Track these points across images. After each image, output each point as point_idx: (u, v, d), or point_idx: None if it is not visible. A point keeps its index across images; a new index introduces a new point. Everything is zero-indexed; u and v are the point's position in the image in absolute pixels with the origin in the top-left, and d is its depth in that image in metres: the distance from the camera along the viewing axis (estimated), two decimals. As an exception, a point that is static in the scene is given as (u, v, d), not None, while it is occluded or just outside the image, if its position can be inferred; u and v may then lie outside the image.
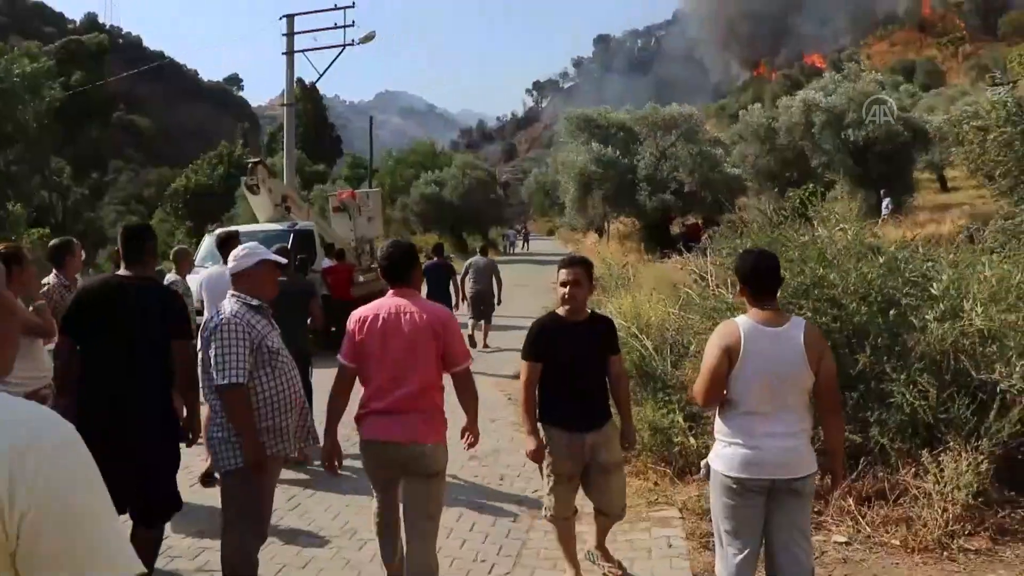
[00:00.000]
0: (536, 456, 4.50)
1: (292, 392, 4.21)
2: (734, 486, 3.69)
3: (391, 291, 4.21)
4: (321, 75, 27.57)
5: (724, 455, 3.73)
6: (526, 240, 59.85)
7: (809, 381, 3.68)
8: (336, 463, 4.28)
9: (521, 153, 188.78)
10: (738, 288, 3.94)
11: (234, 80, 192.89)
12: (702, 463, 3.99)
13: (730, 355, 3.65)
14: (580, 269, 4.61)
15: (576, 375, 4.54)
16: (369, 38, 26.26)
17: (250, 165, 15.95)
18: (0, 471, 1.11)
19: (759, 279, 3.77)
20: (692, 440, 6.29)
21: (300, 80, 56.40)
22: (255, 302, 4.16)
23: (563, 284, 4.59)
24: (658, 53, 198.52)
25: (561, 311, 4.63)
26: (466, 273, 14.26)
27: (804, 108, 28.15)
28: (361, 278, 16.27)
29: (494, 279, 14.27)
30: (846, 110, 27.19)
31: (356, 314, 4.24)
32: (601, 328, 4.71)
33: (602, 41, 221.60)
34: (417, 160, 57.19)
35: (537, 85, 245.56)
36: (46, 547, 1.15)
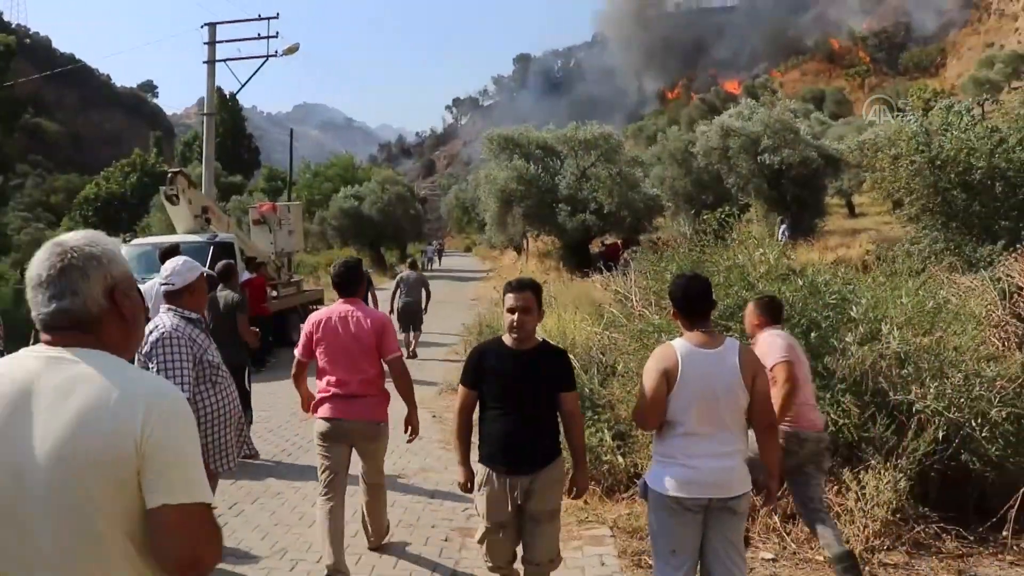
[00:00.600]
0: (465, 488, 4.29)
1: (232, 406, 4.15)
2: (672, 505, 3.75)
3: (341, 299, 5.27)
4: (243, 85, 27.17)
5: (662, 475, 3.80)
6: (439, 256, 59.85)
7: (745, 401, 3.78)
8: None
9: (440, 169, 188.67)
10: (671, 311, 4.04)
11: (148, 87, 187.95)
12: (639, 482, 4.06)
13: (668, 378, 3.74)
14: (530, 294, 4.17)
15: (518, 410, 4.11)
16: (292, 50, 25.99)
17: (170, 175, 15.55)
18: (139, 416, 1.71)
19: (692, 303, 3.88)
20: (621, 459, 6.36)
21: (220, 89, 55.50)
22: (193, 315, 4.09)
23: (510, 310, 4.15)
24: (577, 73, 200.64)
25: (507, 339, 4.19)
26: (397, 286, 15.41)
27: (721, 132, 28.77)
28: (274, 293, 16.14)
29: (423, 292, 15.26)
30: (761, 135, 27.89)
31: (313, 317, 5.31)
32: (551, 360, 4.21)
33: (522, 60, 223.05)
34: (336, 174, 56.78)
35: (457, 102, 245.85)
36: (154, 469, 1.72)
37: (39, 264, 1.84)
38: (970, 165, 13.25)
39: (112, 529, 1.72)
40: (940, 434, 5.38)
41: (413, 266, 16.69)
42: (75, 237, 1.89)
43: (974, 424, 5.45)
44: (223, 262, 8.29)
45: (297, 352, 5.26)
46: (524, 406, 4.13)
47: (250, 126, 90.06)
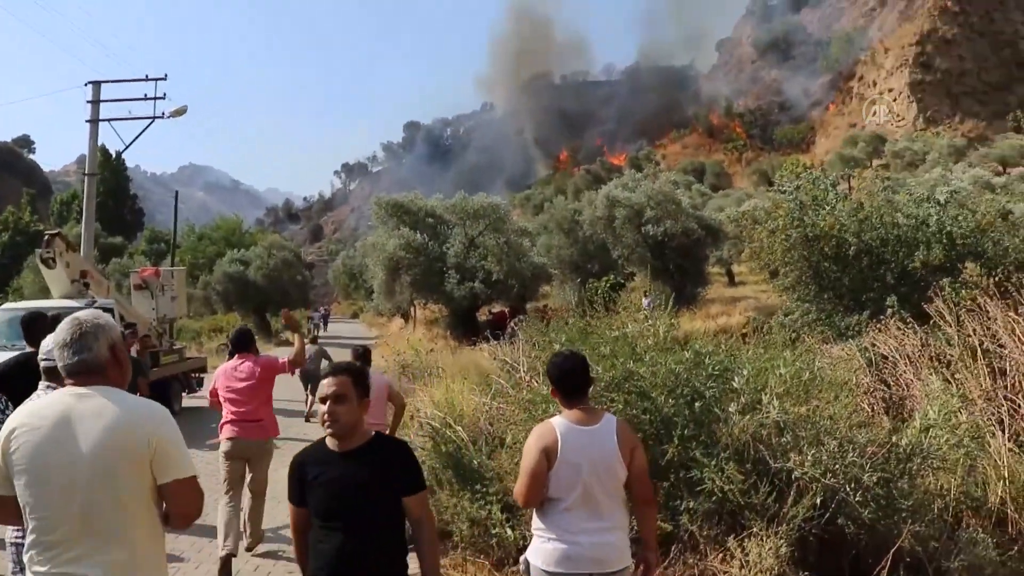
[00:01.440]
0: None
1: None
2: None
3: (238, 355, 7.46)
4: (127, 147, 26.49)
5: (543, 550, 3.85)
6: (325, 322, 58.95)
7: (623, 476, 3.88)
8: None
9: (327, 234, 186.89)
10: (550, 389, 4.11)
11: (25, 142, 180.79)
12: (521, 559, 4.06)
13: (548, 455, 3.81)
14: (347, 379, 3.63)
15: (347, 526, 3.48)
16: (180, 113, 25.56)
17: (47, 237, 14.92)
18: (149, 426, 2.81)
19: (569, 381, 3.97)
20: (510, 532, 6.32)
21: (103, 148, 53.93)
22: None
23: (322, 400, 3.62)
24: (466, 141, 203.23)
25: (329, 440, 3.66)
26: None
27: (606, 203, 29.49)
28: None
29: (323, 360, 15.97)
30: (645, 206, 28.70)
31: (219, 369, 7.57)
32: (388, 458, 3.60)
33: (412, 127, 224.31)
34: (221, 237, 55.61)
35: (346, 167, 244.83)
36: (160, 459, 2.81)
37: (63, 332, 2.97)
38: (843, 240, 13.91)
39: (128, 495, 2.82)
40: (818, 499, 5.54)
41: (314, 340, 18.46)
42: (86, 314, 3.05)
43: (848, 489, 5.63)
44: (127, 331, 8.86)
45: (209, 394, 7.56)
46: (355, 521, 3.48)
47: (134, 186, 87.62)
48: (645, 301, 27.74)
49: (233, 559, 6.64)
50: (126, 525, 2.82)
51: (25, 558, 2.86)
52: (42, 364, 3.71)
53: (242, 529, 7.06)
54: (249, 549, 7.18)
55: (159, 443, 2.84)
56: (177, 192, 49.35)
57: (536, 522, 3.95)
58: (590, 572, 3.78)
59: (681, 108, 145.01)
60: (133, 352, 11.13)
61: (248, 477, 7.24)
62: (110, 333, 3.02)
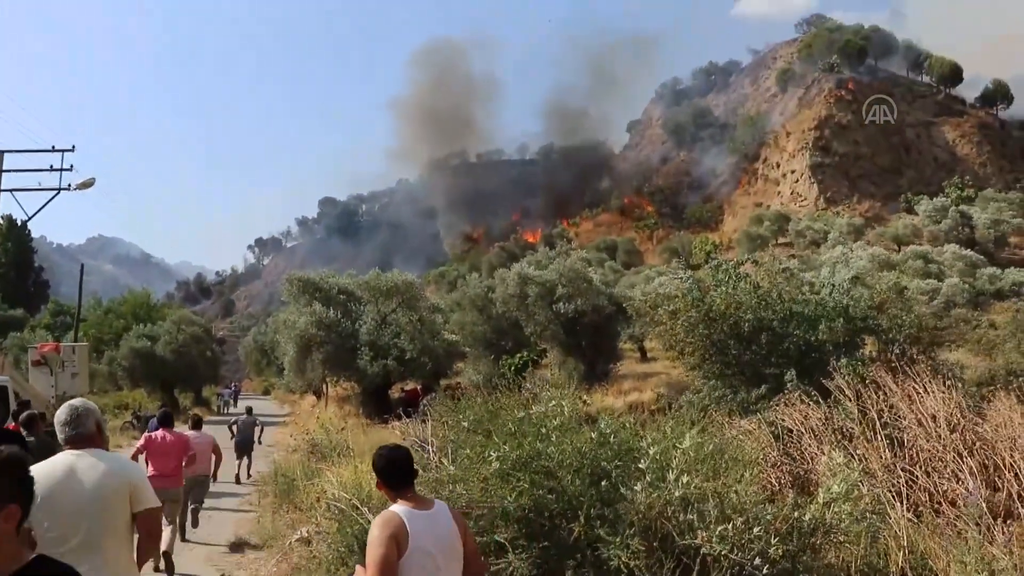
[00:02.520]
0: None
1: None
2: None
3: (163, 429, 10.60)
4: (30, 217, 25.97)
5: None
6: (236, 399, 57.51)
7: (461, 555, 4.10)
8: None
9: (240, 310, 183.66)
10: (375, 482, 4.24)
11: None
12: None
13: (399, 543, 3.90)
14: None
15: None
16: (88, 185, 25.02)
17: None
18: (130, 475, 4.40)
19: (397, 472, 4.16)
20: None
21: (9, 217, 52.35)
22: None
23: None
24: (382, 218, 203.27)
25: None
26: (234, 423, 20.07)
27: (519, 280, 29.70)
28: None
29: (256, 430, 20.25)
30: (557, 284, 29.00)
31: (147, 436, 10.62)
32: None
33: (327, 202, 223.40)
34: (129, 311, 53.99)
35: (259, 242, 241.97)
36: (136, 495, 4.30)
37: (63, 413, 4.39)
38: (740, 318, 14.26)
39: (117, 522, 4.13)
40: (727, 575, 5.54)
41: (249, 411, 20.96)
42: (77, 401, 4.50)
43: (755, 564, 5.65)
44: (27, 413, 10.00)
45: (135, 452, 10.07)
46: None
47: (39, 258, 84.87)
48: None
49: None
50: (111, 540, 4.19)
51: None
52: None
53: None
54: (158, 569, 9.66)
55: (134, 485, 4.35)
56: (83, 265, 48.03)
57: None
58: None
59: (594, 187, 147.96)
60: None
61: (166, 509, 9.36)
62: (95, 414, 4.55)
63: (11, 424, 11.98)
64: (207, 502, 13.87)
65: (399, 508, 4.02)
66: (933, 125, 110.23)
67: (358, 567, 4.21)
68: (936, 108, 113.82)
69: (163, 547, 9.17)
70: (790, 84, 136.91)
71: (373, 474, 4.23)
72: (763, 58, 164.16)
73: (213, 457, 12.22)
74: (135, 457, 9.56)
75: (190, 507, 11.91)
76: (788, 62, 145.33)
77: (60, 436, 4.43)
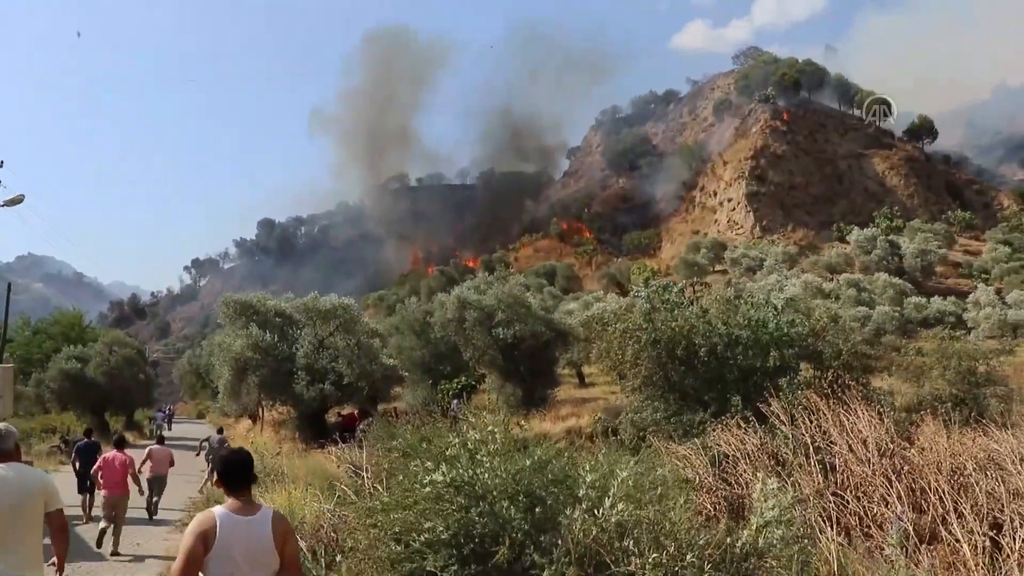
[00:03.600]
0: None
1: None
2: None
3: (116, 449, 13.81)
4: (-48, 237, 24.95)
5: None
6: (170, 423, 56.22)
7: (275, 563, 4.38)
8: None
9: (175, 331, 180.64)
10: (214, 480, 4.73)
11: None
12: None
13: (206, 540, 4.25)
14: None
15: None
16: (17, 201, 24.33)
17: None
18: (43, 481, 5.59)
19: (233, 473, 4.52)
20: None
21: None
22: None
23: None
24: (321, 240, 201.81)
25: None
26: (207, 446, 21.74)
27: (458, 305, 29.61)
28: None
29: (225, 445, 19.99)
30: (495, 309, 28.97)
31: (104, 456, 13.73)
32: None
33: (266, 224, 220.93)
34: (60, 332, 52.50)
35: (196, 263, 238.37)
36: (50, 498, 5.50)
37: None
38: (690, 341, 14.40)
39: (35, 519, 5.32)
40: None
41: (220, 431, 22.61)
42: (3, 425, 5.65)
43: (690, 591, 5.66)
44: None
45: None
46: None
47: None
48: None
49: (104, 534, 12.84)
50: (30, 533, 5.37)
51: None
52: None
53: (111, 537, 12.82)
54: (113, 553, 12.53)
55: (47, 491, 5.53)
56: (10, 284, 46.64)
57: None
58: None
59: (533, 212, 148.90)
60: None
61: (114, 513, 12.89)
62: (15, 435, 5.70)
63: None
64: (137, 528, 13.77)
65: (218, 510, 4.36)
66: (864, 156, 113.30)
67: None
68: (867, 140, 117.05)
69: (99, 530, 12.89)
70: (727, 114, 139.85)
71: (219, 481, 4.54)
72: (701, 88, 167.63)
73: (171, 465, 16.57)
74: (96, 471, 13.50)
75: (153, 499, 16.03)
76: (725, 92, 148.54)
77: None
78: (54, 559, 5.75)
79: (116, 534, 12.66)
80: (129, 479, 13.47)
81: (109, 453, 13.73)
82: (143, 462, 15.46)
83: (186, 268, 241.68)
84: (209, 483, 18.47)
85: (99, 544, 12.59)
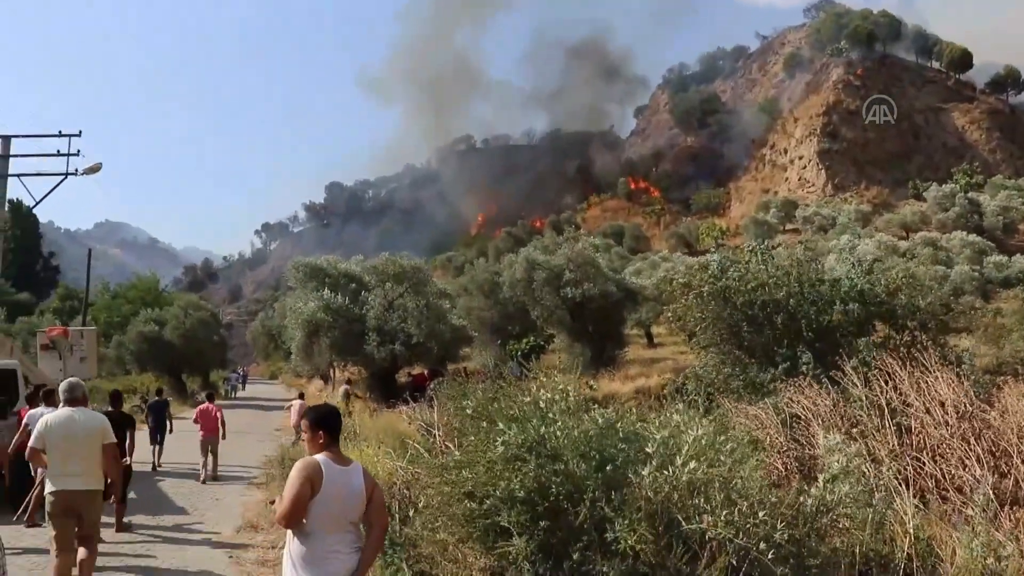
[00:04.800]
0: None
1: None
2: None
3: (208, 403, 17.61)
4: (38, 202, 25.60)
5: (304, 572, 4.47)
6: (243, 383, 57.58)
7: (363, 509, 4.69)
8: None
9: (247, 294, 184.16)
10: (310, 433, 4.77)
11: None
12: None
13: (313, 485, 4.48)
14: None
15: None
16: (94, 170, 24.88)
17: None
18: (102, 421, 7.95)
19: (328, 425, 4.77)
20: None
21: (16, 202, 52.30)
22: None
23: None
24: (389, 203, 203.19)
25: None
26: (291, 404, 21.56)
27: (526, 265, 29.65)
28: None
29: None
30: (564, 269, 28.94)
31: (200, 408, 17.48)
32: None
33: (334, 187, 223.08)
34: (137, 296, 53.96)
35: (266, 227, 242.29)
36: (106, 434, 7.80)
37: (64, 386, 7.94)
38: (761, 300, 14.21)
39: (97, 449, 7.55)
40: (732, 560, 5.54)
41: (302, 396, 22.17)
42: (72, 379, 8.20)
43: (760, 548, 5.65)
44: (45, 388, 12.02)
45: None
46: None
47: (47, 243, 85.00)
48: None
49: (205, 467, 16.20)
50: (93, 458, 7.46)
51: (48, 481, 7.44)
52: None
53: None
54: (213, 478, 16.12)
55: (104, 428, 7.69)
56: (90, 250, 48.05)
57: (296, 548, 4.53)
58: None
59: (601, 172, 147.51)
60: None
61: (210, 449, 16.49)
62: (83, 387, 8.02)
63: (23, 408, 12.34)
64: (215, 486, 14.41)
65: (320, 458, 4.59)
66: (942, 111, 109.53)
67: (277, 498, 4.75)
68: (945, 94, 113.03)
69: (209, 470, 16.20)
70: (798, 70, 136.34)
71: (322, 432, 4.70)
72: (771, 44, 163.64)
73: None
74: (195, 421, 17.00)
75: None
76: (796, 47, 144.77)
77: (63, 399, 7.90)
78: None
79: (214, 465, 16.37)
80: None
81: (204, 405, 17.39)
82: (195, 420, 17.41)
83: (257, 232, 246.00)
84: (298, 440, 19.07)
85: (203, 478, 15.86)
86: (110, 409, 12.74)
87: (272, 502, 4.88)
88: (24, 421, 10.70)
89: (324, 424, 4.75)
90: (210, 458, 16.31)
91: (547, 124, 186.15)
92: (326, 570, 4.50)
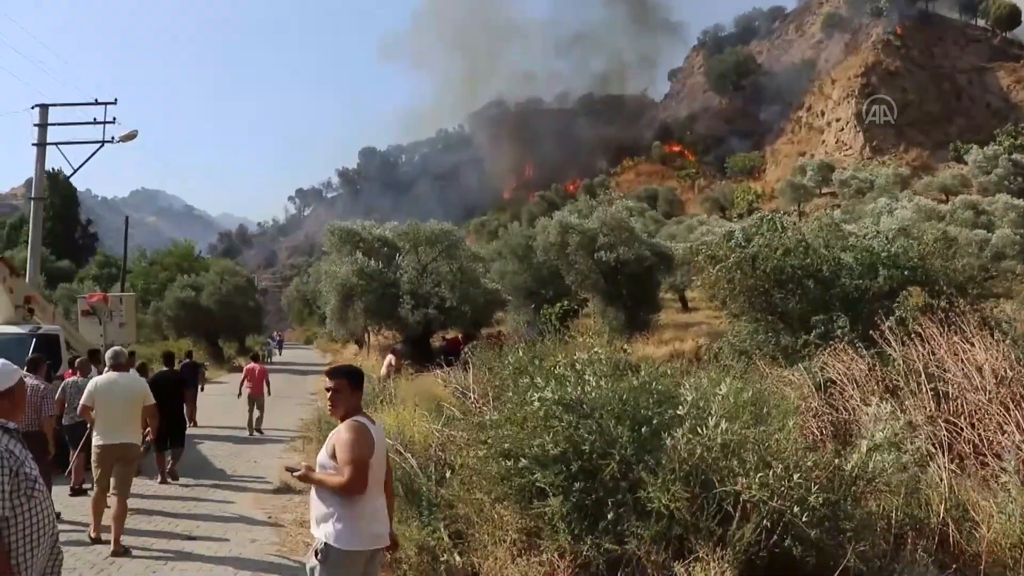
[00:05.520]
0: None
1: (48, 523, 3.80)
2: (360, 559, 4.52)
3: (254, 363, 19.09)
4: (75, 170, 25.86)
5: (356, 533, 4.47)
6: (280, 348, 58.18)
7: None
8: None
9: (282, 260, 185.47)
10: (336, 397, 4.76)
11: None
12: (318, 548, 4.48)
13: (370, 447, 4.57)
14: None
15: None
16: (130, 137, 25.06)
17: None
18: (143, 387, 9.18)
19: (362, 386, 4.89)
20: (458, 557, 6.27)
21: (54, 171, 52.80)
22: (10, 425, 3.75)
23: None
24: (422, 168, 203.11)
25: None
26: None
27: (560, 229, 29.57)
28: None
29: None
30: (598, 233, 28.84)
31: (247, 367, 18.85)
32: None
33: (367, 153, 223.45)
34: (174, 262, 54.61)
35: (300, 193, 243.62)
36: (147, 395, 9.08)
37: (110, 353, 9.32)
38: (783, 264, 14.11)
39: (136, 409, 8.81)
40: (766, 522, 5.57)
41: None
42: (116, 347, 10.00)
43: (795, 510, 5.67)
44: (80, 359, 12.30)
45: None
46: None
47: (85, 211, 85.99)
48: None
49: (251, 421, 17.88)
50: (133, 419, 8.75)
51: (95, 434, 8.66)
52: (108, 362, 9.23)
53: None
54: (257, 430, 17.95)
55: (144, 389, 9.04)
56: (127, 217, 48.60)
57: (342, 509, 4.48)
58: (382, 546, 4.70)
59: (634, 136, 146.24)
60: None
61: (256, 404, 18.05)
62: (125, 354, 9.44)
63: (67, 371, 12.70)
64: (254, 448, 14.75)
65: (363, 419, 4.66)
66: (987, 70, 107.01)
67: (303, 465, 4.73)
68: (990, 53, 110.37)
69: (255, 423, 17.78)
70: (836, 30, 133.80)
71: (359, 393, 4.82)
72: (808, 3, 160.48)
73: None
74: (243, 381, 18.20)
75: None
76: (835, 7, 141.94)
77: (108, 365, 9.14)
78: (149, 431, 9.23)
79: (259, 419, 17.96)
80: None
81: (251, 365, 18.77)
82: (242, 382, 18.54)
83: (290, 198, 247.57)
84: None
85: (251, 431, 17.59)
86: (164, 369, 13.66)
87: (291, 470, 4.83)
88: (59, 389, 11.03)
89: (359, 385, 4.85)
90: (256, 412, 17.87)
91: (581, 87, 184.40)
92: (377, 531, 4.60)
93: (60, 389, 10.82)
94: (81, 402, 8.92)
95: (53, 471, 9.83)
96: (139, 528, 9.02)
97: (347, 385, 4.74)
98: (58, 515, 5.41)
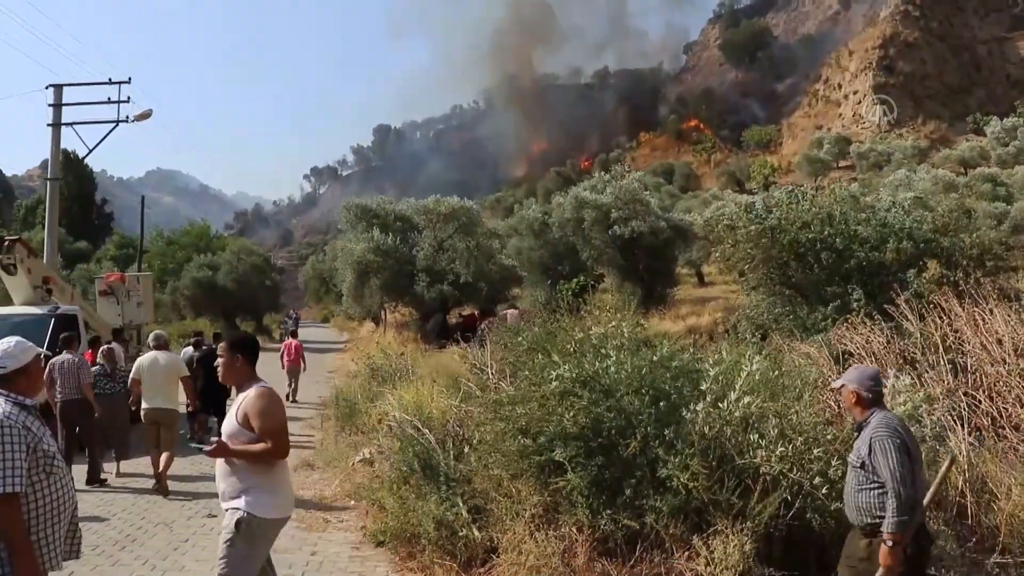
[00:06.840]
0: None
1: (67, 499, 3.84)
2: (272, 528, 4.54)
3: (291, 338, 21.11)
4: (90, 151, 25.91)
5: (271, 502, 4.45)
6: (296, 326, 58.32)
7: None
8: None
9: (298, 238, 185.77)
10: (241, 360, 4.76)
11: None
12: (236, 518, 4.37)
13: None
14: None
15: None
16: (145, 116, 25.10)
17: (7, 243, 14.56)
18: (180, 363, 11.44)
19: (256, 354, 4.86)
20: (477, 532, 6.31)
21: (68, 152, 52.97)
22: (28, 401, 3.79)
23: None
24: (437, 144, 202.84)
25: None
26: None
27: (575, 204, 29.48)
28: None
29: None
30: (612, 207, 28.72)
31: (285, 343, 21.02)
32: None
33: (382, 130, 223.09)
34: (190, 242, 54.79)
35: (315, 171, 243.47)
36: (180, 371, 11.14)
37: (152, 336, 11.85)
38: (799, 236, 14.05)
39: (175, 381, 10.81)
40: (786, 495, 5.58)
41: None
42: (159, 331, 12.51)
43: (815, 483, 5.68)
44: (106, 346, 12.49)
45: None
46: None
47: (100, 191, 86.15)
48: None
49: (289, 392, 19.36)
50: (171, 389, 10.70)
51: (142, 401, 10.60)
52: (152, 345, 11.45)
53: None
54: (293, 400, 19.05)
55: (180, 365, 11.18)
56: (143, 197, 48.73)
57: (263, 478, 4.44)
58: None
59: (650, 110, 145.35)
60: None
61: (293, 377, 19.70)
62: (166, 336, 11.91)
63: (88, 352, 12.81)
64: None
65: (268, 385, 4.65)
66: (1007, 40, 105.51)
67: (219, 441, 4.54)
68: (1011, 22, 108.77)
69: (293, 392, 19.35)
70: (853, 0, 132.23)
71: (240, 357, 4.71)
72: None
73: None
74: (282, 356, 19.87)
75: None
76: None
77: (152, 345, 11.34)
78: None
79: (295, 390, 19.47)
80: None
81: (288, 340, 20.70)
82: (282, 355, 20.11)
83: (305, 176, 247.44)
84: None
85: (289, 400, 18.35)
86: (207, 347, 15.31)
87: (199, 447, 4.76)
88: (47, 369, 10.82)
89: (253, 353, 4.79)
90: (292, 383, 19.47)
91: (596, 62, 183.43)
92: (291, 498, 4.75)
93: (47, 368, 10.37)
94: (131, 376, 10.88)
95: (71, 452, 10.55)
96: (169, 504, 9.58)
97: (235, 354, 4.72)
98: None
